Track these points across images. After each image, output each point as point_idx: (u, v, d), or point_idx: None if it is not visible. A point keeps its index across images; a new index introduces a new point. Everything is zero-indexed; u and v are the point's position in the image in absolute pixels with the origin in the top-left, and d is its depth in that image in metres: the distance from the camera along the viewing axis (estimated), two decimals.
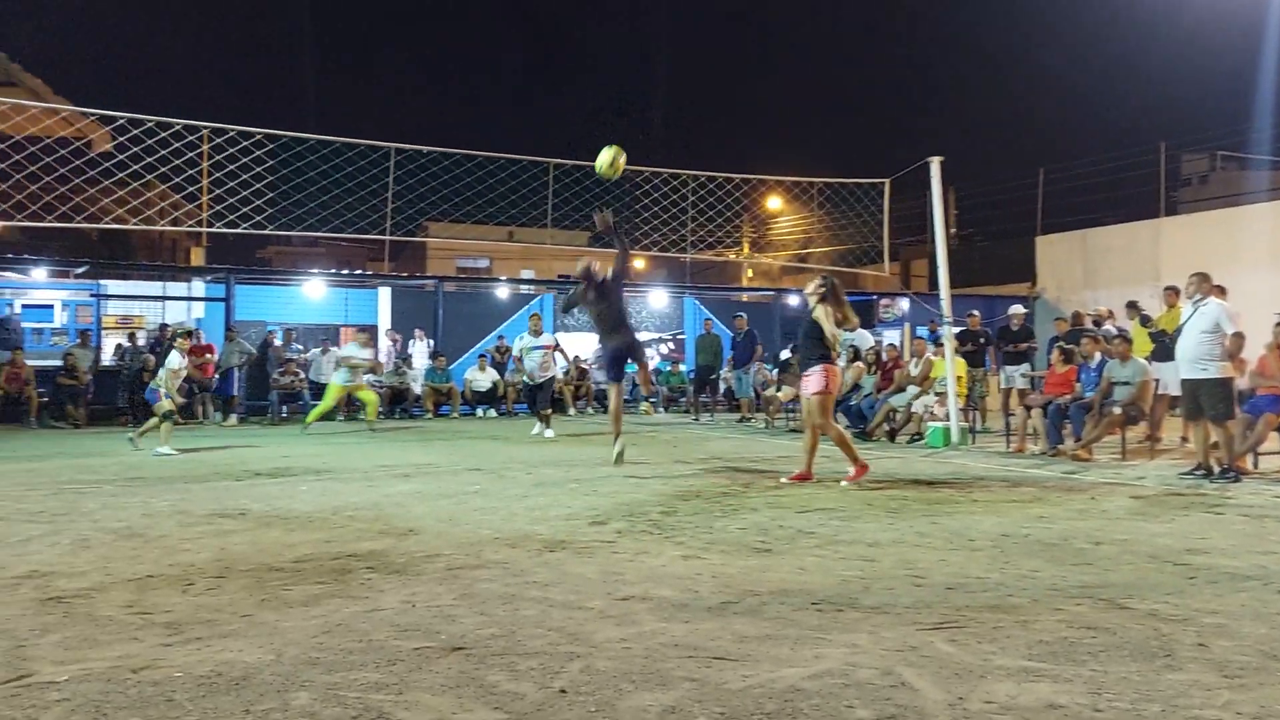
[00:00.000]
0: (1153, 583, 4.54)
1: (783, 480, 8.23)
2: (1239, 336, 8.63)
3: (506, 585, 4.50)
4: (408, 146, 16.49)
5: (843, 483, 7.99)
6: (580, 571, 4.80)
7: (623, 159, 9.48)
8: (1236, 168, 28.95)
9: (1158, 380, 10.84)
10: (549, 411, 14.18)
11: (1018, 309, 14.91)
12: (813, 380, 8.19)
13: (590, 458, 10.49)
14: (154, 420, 13.39)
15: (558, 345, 14.58)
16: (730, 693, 3.08)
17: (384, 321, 20.98)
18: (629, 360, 9.82)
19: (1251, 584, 4.50)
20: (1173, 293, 12.12)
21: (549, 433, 13.62)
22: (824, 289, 8.32)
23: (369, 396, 15.55)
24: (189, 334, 14.04)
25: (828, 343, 8.25)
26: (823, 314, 8.18)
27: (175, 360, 12.07)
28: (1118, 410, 10.14)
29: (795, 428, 14.85)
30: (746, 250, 32.09)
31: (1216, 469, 8.42)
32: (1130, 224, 21.14)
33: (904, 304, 22.63)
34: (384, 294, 21.19)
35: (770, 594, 4.33)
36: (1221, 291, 9.02)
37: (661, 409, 19.89)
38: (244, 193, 13.36)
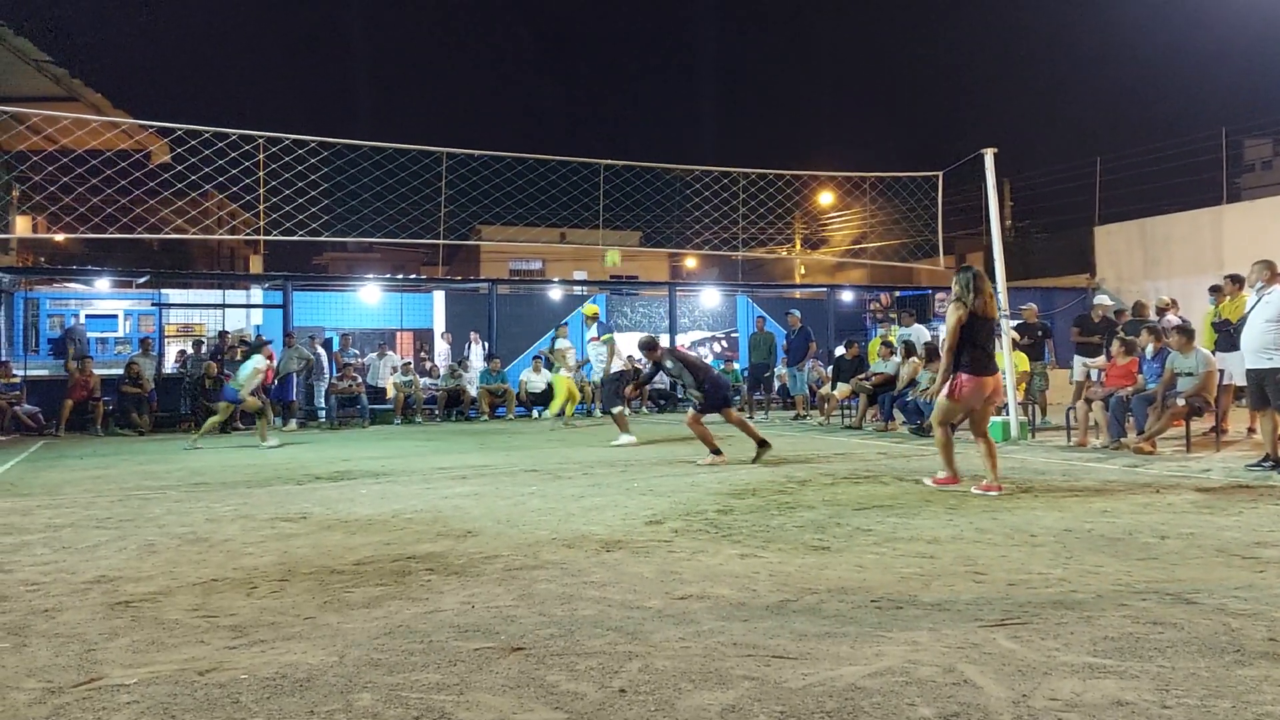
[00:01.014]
0: (1220, 577, 4.43)
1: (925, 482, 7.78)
2: None
3: (564, 585, 4.52)
4: (459, 151, 16.66)
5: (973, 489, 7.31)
6: (638, 571, 4.81)
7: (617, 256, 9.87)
8: None
9: (1223, 371, 10.57)
10: (619, 410, 12.87)
11: (1103, 299, 14.55)
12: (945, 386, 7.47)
13: (646, 457, 10.51)
14: (213, 420, 13.78)
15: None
16: (790, 691, 3.07)
17: (439, 325, 21.22)
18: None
19: None
20: (1234, 281, 11.82)
21: (624, 439, 12.28)
22: (956, 287, 7.33)
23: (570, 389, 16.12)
24: (264, 342, 14.64)
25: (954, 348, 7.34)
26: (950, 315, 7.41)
27: (260, 361, 12.65)
28: (1181, 402, 9.92)
29: (850, 424, 14.74)
30: (799, 247, 31.94)
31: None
32: (1191, 211, 20.67)
33: None
34: (438, 298, 21.43)
35: (829, 592, 4.31)
36: None
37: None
38: (300, 200, 13.60)
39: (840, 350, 16.90)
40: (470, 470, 9.50)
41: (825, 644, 3.54)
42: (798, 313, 18.34)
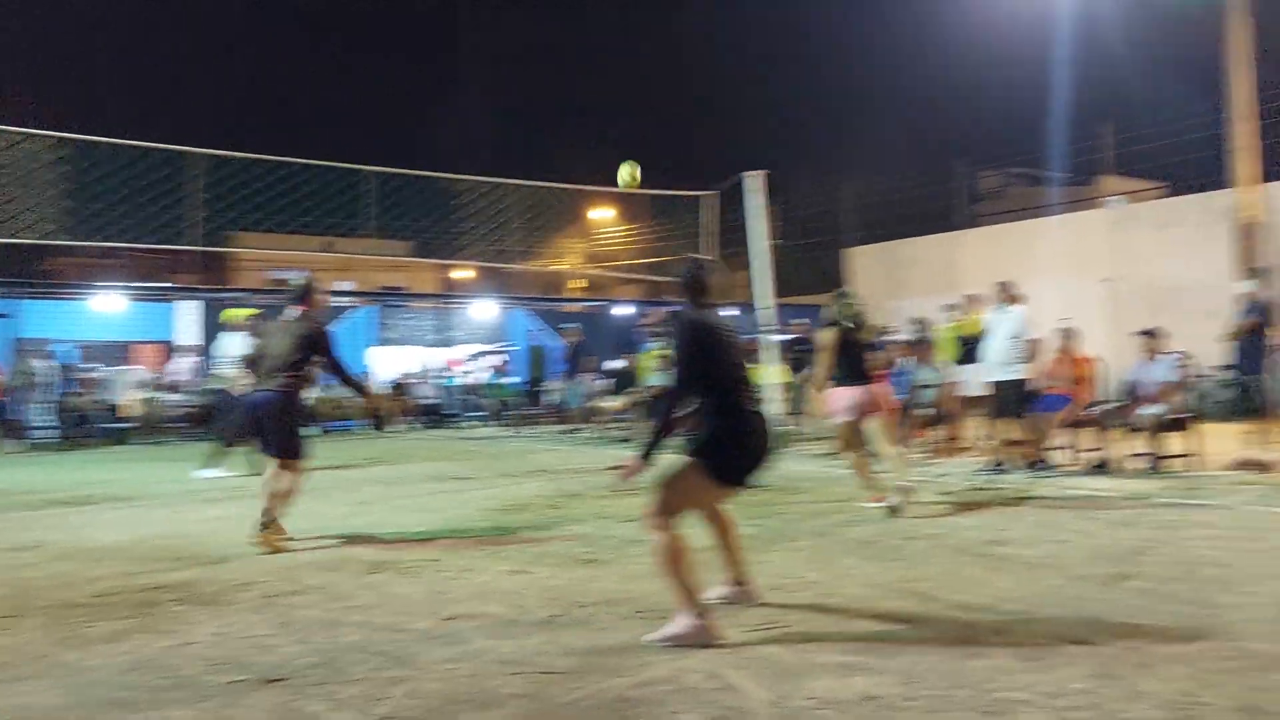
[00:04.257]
0: (960, 575, 4.79)
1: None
2: (1036, 341, 9.20)
3: (327, 611, 4.33)
4: (216, 153, 15.78)
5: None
6: (405, 592, 4.68)
7: (637, 171, 9.28)
8: (1027, 184, 31.18)
9: (960, 383, 11.48)
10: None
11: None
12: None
13: (415, 475, 10.25)
14: None
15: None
16: (559, 706, 3.06)
17: (184, 337, 19.82)
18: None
19: (1047, 571, 4.81)
20: (973, 300, 12.90)
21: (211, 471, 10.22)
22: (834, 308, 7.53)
23: None
24: None
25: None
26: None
27: None
28: (923, 412, 10.69)
29: (624, 437, 14.97)
30: (576, 261, 32.24)
31: (1022, 463, 8.99)
32: (933, 236, 22.37)
33: (732, 314, 23.21)
34: (185, 308, 20.03)
35: (598, 604, 4.34)
36: (1020, 299, 9.64)
37: (487, 423, 19.69)
38: (21, 197, 12.43)
39: (616, 364, 17.13)
40: (224, 492, 8.96)
41: (594, 657, 3.55)
42: (574, 326, 18.47)
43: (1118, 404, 9.19)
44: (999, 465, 9.01)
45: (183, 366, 18.37)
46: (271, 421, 6.33)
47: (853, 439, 7.41)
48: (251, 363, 6.78)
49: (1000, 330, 8.95)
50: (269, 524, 6.09)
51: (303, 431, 6.44)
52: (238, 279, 33.46)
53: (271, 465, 6.32)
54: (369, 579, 5.00)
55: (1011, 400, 8.79)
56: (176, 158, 15.39)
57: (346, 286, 33.38)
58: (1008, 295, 9.07)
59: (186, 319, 19.92)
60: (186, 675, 3.44)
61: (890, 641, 3.66)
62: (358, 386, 6.82)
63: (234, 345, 10.59)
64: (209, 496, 8.60)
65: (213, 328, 19.81)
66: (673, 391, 3.92)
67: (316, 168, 16.96)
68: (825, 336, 7.46)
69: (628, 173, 9.20)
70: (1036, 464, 8.85)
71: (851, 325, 7.40)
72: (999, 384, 8.92)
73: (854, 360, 7.38)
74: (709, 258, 4.61)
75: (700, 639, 3.66)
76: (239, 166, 16.04)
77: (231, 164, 15.97)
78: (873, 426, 7.35)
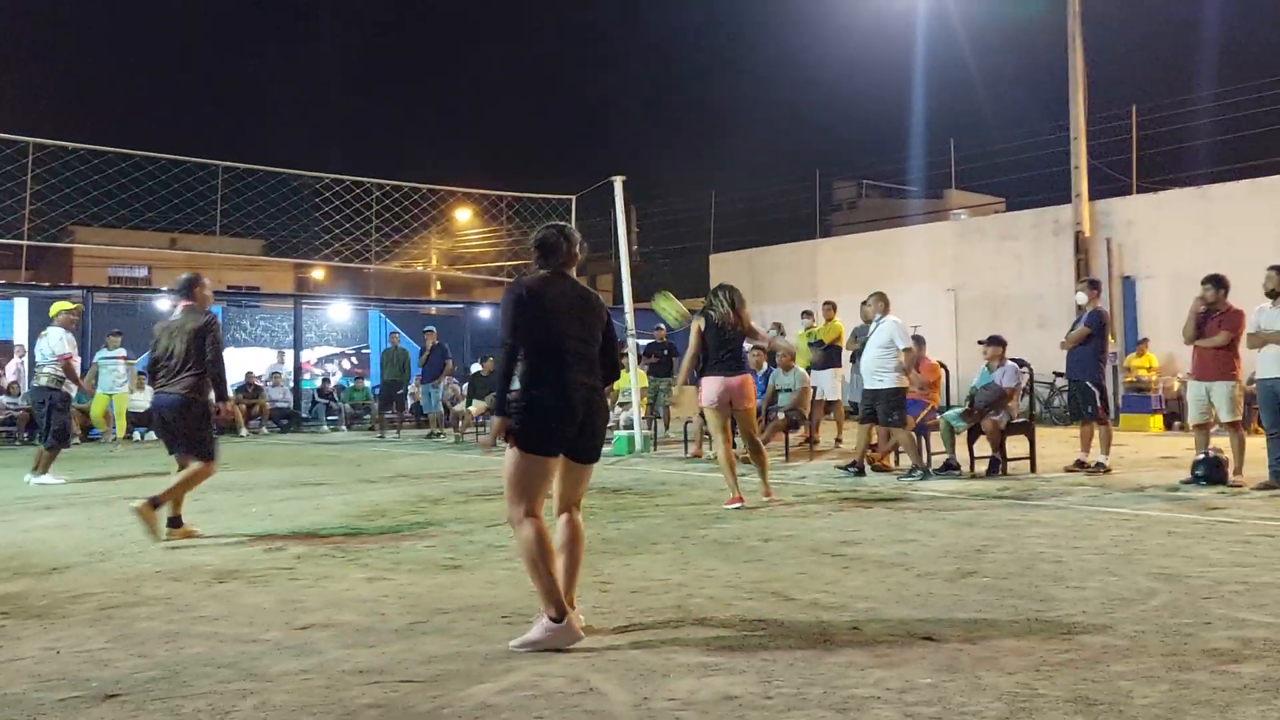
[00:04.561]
0: (814, 574, 4.92)
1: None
2: (910, 351, 9.44)
3: (169, 623, 4.13)
4: (49, 142, 14.90)
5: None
6: (255, 602, 4.50)
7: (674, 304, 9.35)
8: (879, 195, 32.42)
9: (815, 387, 11.81)
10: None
11: (699, 322, 15.64)
12: None
13: (265, 481, 9.89)
14: None
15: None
16: (418, 715, 3.00)
17: (19, 336, 18.66)
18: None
19: (895, 570, 5.00)
20: (829, 306, 13.30)
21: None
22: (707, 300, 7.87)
23: None
24: None
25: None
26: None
27: None
28: (781, 415, 10.95)
29: (483, 442, 14.81)
30: (435, 263, 31.73)
31: (868, 467, 9.31)
32: (792, 244, 22.97)
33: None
34: (19, 305, 18.86)
35: (460, 611, 4.27)
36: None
37: (343, 427, 19.17)
38: None
39: (476, 367, 16.92)
40: (58, 499, 8.45)
41: (455, 664, 3.50)
42: (434, 329, 18.16)
43: (962, 408, 9.62)
44: (855, 467, 9.29)
45: (11, 368, 17.25)
46: (180, 424, 6.34)
47: (724, 429, 7.60)
48: (151, 371, 6.59)
49: (874, 340, 9.18)
50: (177, 520, 6.29)
51: (212, 432, 6.45)
52: (78, 276, 31.69)
53: (190, 464, 6.35)
54: (216, 589, 4.79)
55: (882, 408, 9.02)
56: (2, 145, 14.47)
57: None
58: (882, 305, 9.33)
59: (20, 318, 18.71)
60: (13, 694, 3.23)
61: (748, 641, 3.73)
62: (221, 390, 6.56)
63: (55, 342, 9.99)
64: (41, 504, 8.10)
65: (42, 326, 18.68)
66: (502, 351, 3.89)
67: (160, 161, 16.22)
68: (694, 326, 7.73)
69: (667, 305, 9.38)
70: (915, 471, 9.03)
71: (715, 316, 7.57)
72: (872, 392, 9.16)
73: (722, 350, 7.57)
74: (571, 227, 4.41)
75: (559, 642, 3.64)
76: (75, 158, 15.19)
77: (66, 155, 15.11)
78: (741, 417, 7.59)
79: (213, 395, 6.46)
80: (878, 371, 9.07)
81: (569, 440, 3.91)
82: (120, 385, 15.25)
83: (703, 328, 7.65)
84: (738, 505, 7.25)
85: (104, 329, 18.24)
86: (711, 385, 7.51)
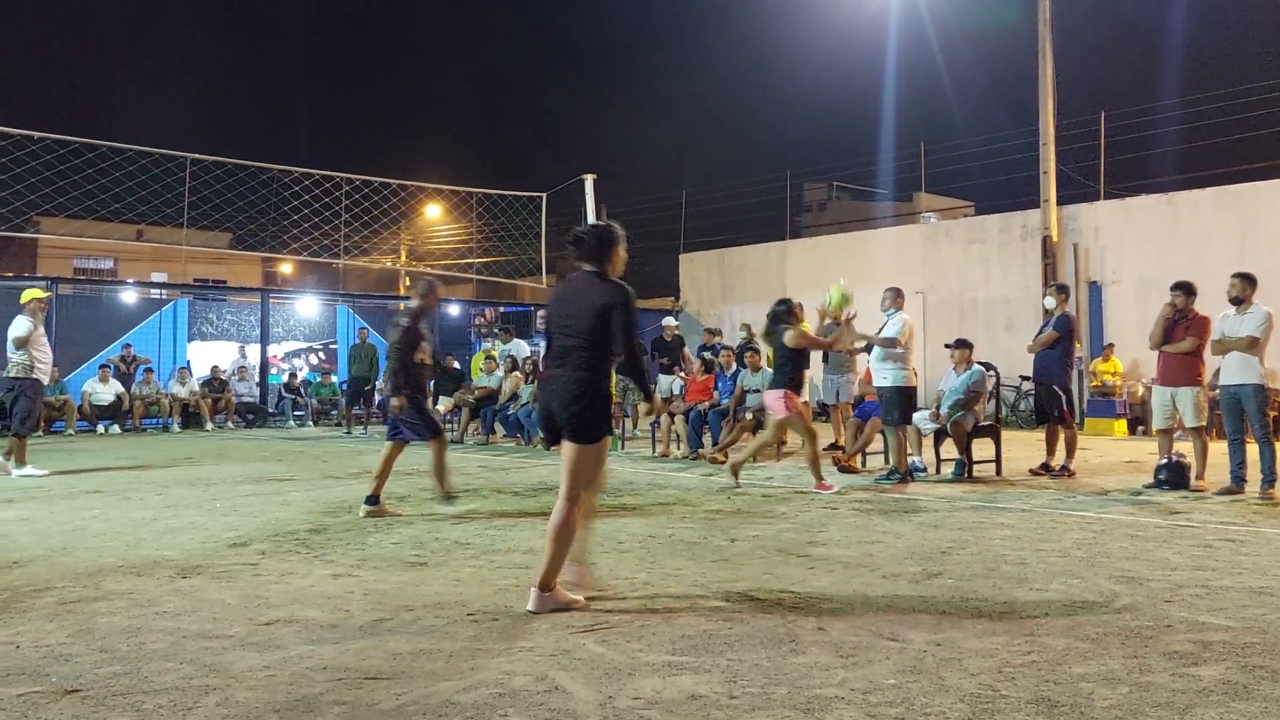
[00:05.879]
0: (780, 575, 4.94)
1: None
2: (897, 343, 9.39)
3: (131, 618, 4.08)
4: (13, 131, 14.67)
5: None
6: (218, 598, 4.46)
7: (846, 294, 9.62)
8: (849, 197, 32.60)
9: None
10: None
11: (670, 321, 15.71)
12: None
13: (230, 476, 9.79)
14: None
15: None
16: (383, 713, 2.98)
17: None
18: None
19: (861, 571, 5.03)
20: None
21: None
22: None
23: None
24: None
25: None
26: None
27: None
28: (749, 415, 10.98)
29: (453, 439, 14.74)
30: (404, 258, 31.55)
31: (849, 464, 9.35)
32: (762, 245, 23.03)
33: None
34: None
35: (425, 608, 4.25)
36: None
37: (310, 423, 19.01)
38: None
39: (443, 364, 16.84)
40: (18, 492, 8.33)
41: (420, 661, 3.48)
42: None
43: (930, 411, 9.68)
44: (897, 475, 9.17)
45: None
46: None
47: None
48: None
49: (883, 335, 9.18)
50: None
51: None
52: (42, 266, 31.30)
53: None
54: (179, 584, 4.74)
55: (883, 406, 9.02)
56: None
57: (159, 278, 31.63)
58: (899, 301, 9.35)
59: None
60: None
61: (714, 641, 3.74)
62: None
63: (14, 326, 9.89)
64: (3, 497, 7.98)
65: (7, 316, 18.40)
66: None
67: (127, 152, 16.00)
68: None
69: (838, 295, 9.61)
70: (894, 474, 8.99)
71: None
72: (879, 390, 9.16)
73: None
74: (604, 224, 4.41)
75: (559, 605, 4.18)
76: (40, 147, 14.96)
77: (31, 144, 14.87)
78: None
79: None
80: (879, 370, 9.09)
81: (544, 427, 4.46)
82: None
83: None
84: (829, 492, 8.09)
85: (69, 323, 17.99)
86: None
